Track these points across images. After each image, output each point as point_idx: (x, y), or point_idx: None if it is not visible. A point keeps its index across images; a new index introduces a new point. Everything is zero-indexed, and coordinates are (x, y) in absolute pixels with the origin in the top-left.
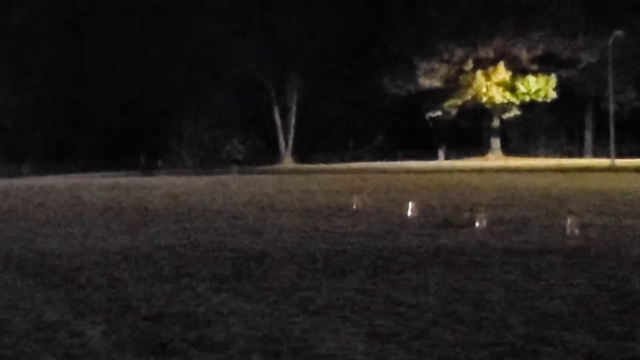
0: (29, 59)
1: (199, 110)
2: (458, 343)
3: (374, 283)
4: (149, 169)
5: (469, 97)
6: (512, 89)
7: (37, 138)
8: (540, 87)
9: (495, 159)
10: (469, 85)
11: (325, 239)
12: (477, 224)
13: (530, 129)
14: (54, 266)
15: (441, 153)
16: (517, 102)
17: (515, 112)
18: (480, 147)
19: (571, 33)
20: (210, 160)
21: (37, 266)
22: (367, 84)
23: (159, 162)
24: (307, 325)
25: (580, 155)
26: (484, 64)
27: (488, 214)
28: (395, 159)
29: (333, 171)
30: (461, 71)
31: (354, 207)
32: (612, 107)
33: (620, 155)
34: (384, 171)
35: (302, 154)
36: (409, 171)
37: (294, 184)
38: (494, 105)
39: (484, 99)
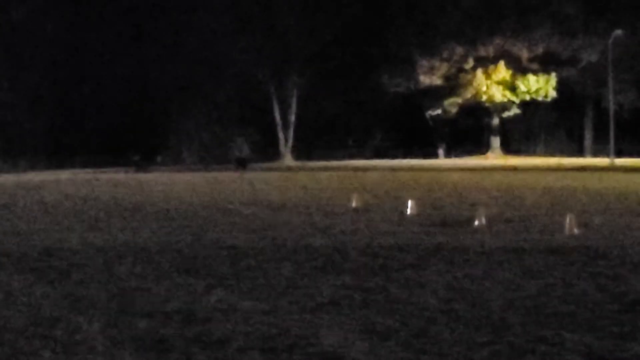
0: (28, 56)
1: (199, 107)
2: (457, 341)
3: (373, 281)
4: (143, 166)
5: (469, 96)
6: (512, 88)
7: (36, 134)
8: (540, 86)
9: (495, 157)
10: (469, 83)
11: (325, 237)
12: (476, 223)
13: (530, 128)
14: (53, 262)
15: (441, 151)
16: (517, 101)
17: (515, 111)
18: (480, 146)
19: (571, 32)
20: (210, 157)
21: (36, 262)
22: (367, 81)
23: (158, 159)
24: (306, 323)
25: (580, 154)
26: (484, 63)
27: (487, 213)
28: (395, 157)
29: (332, 169)
30: (461, 70)
31: (353, 205)
32: (611, 107)
33: (619, 154)
34: (383, 169)
35: (302, 152)
36: (408, 169)
37: (293, 182)
38: (494, 104)
39: (484, 98)
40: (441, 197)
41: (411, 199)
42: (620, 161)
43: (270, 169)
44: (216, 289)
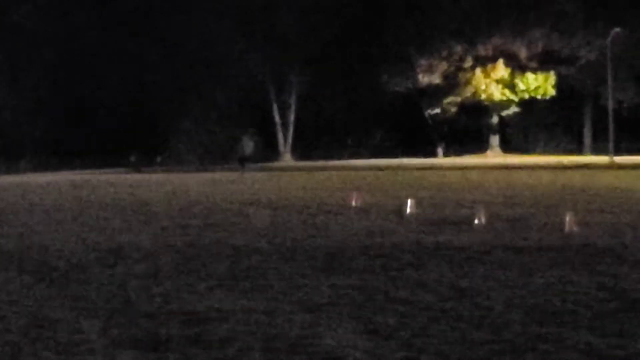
0: (28, 57)
1: (198, 107)
2: (457, 340)
3: (373, 280)
4: (139, 166)
5: (468, 95)
6: (511, 87)
7: (36, 135)
8: (539, 84)
9: (494, 156)
10: (468, 82)
11: (325, 236)
12: (475, 221)
13: (529, 127)
14: (53, 263)
15: (440, 150)
16: (516, 100)
17: (514, 109)
18: (479, 145)
19: (570, 30)
20: (210, 158)
21: (37, 263)
22: (366, 81)
23: (158, 159)
24: (306, 323)
25: (579, 152)
26: (483, 61)
27: (487, 212)
28: (394, 156)
29: (332, 168)
30: (460, 68)
31: (353, 204)
32: (611, 105)
33: (619, 152)
34: (382, 168)
35: (301, 151)
36: (407, 168)
37: (293, 181)
38: (493, 102)
39: (483, 96)
40: (441, 196)
41: (411, 198)
42: (620, 159)
43: (269, 169)
44: (216, 290)
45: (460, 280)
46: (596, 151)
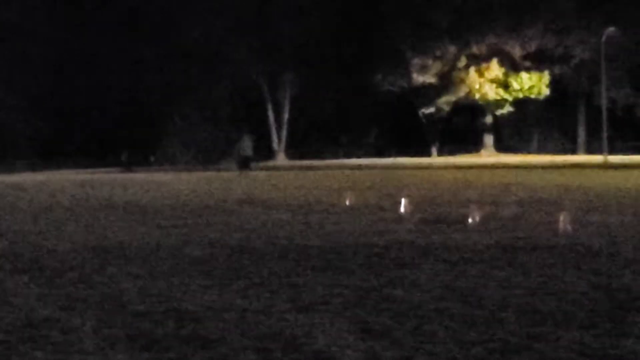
0: (22, 57)
1: (192, 106)
2: (450, 340)
3: (367, 280)
4: (131, 165)
5: (462, 94)
6: (505, 86)
7: (31, 134)
8: (533, 83)
9: (488, 155)
10: (462, 82)
11: (318, 236)
12: (469, 221)
13: (523, 126)
14: (47, 262)
15: (434, 150)
16: (510, 99)
17: (508, 108)
18: (473, 144)
19: (564, 30)
20: (204, 157)
21: (30, 262)
22: (360, 80)
23: (152, 158)
24: (300, 322)
25: (573, 151)
26: (477, 61)
27: (481, 211)
28: (388, 155)
29: (326, 167)
30: (454, 68)
31: (347, 203)
32: (605, 104)
33: (613, 151)
34: (376, 167)
35: (295, 151)
36: (401, 168)
37: (287, 180)
38: (487, 101)
39: (477, 96)
40: (435, 196)
41: (405, 198)
42: (614, 158)
43: (264, 168)
44: (210, 288)
45: (454, 279)
46: (590, 150)
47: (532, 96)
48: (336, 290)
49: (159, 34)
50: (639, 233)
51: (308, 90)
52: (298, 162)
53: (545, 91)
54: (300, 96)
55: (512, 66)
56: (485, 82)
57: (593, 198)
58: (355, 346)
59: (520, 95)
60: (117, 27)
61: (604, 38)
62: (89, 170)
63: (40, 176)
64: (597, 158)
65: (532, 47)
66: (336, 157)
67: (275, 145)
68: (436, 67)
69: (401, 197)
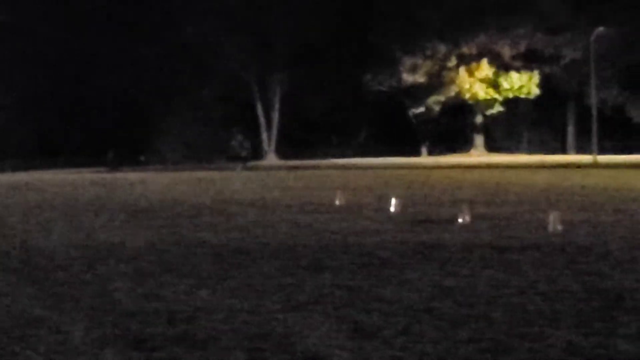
0: (14, 57)
1: (183, 106)
2: (440, 339)
3: (357, 279)
4: (116, 165)
5: (452, 94)
6: (495, 86)
7: (22, 134)
8: (523, 83)
9: (478, 155)
10: (452, 81)
11: (308, 235)
12: (459, 220)
13: (513, 125)
14: (37, 262)
15: (424, 149)
16: (500, 99)
17: (498, 108)
18: (463, 144)
19: (554, 30)
20: (194, 156)
21: (21, 262)
22: (350, 80)
23: (142, 158)
24: (290, 322)
25: (563, 151)
26: (467, 61)
27: (471, 211)
28: (378, 155)
29: (316, 167)
30: (444, 67)
31: (337, 203)
32: (594, 104)
33: (602, 151)
34: (366, 167)
35: (285, 150)
36: (392, 167)
37: (277, 180)
38: (477, 101)
39: (467, 96)
40: (425, 195)
41: (395, 197)
42: (603, 158)
43: (254, 168)
44: (200, 288)
45: (444, 279)
46: (580, 150)
47: (522, 96)
48: (326, 290)
49: (149, 33)
50: (629, 232)
51: (298, 90)
52: (288, 162)
53: (535, 91)
54: (290, 96)
55: (502, 66)
56: (475, 82)
57: (582, 198)
58: (345, 346)
59: (510, 95)
60: (108, 26)
61: (593, 38)
62: (81, 170)
63: (30, 176)
64: (586, 158)
65: (522, 47)
66: (326, 156)
67: (265, 145)
68: (426, 66)
69: (391, 197)
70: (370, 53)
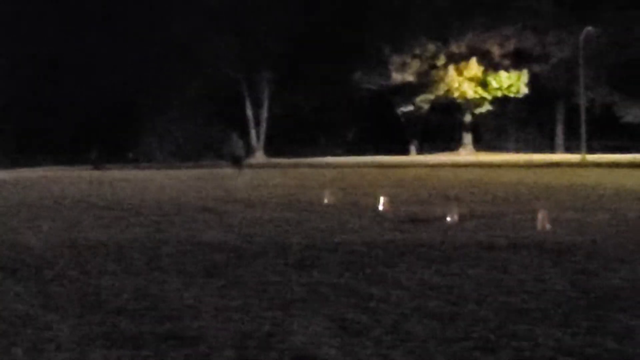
0: None
1: (171, 104)
2: (429, 337)
3: (345, 277)
4: (100, 163)
5: (441, 92)
6: (484, 84)
7: (6, 132)
8: (511, 82)
9: (466, 154)
10: (441, 80)
11: (297, 234)
12: (448, 219)
13: (502, 124)
14: (24, 259)
15: (413, 148)
16: (489, 98)
17: (487, 107)
18: (452, 142)
19: (542, 29)
20: (182, 154)
21: (7, 259)
22: (339, 78)
23: (130, 155)
24: (279, 320)
25: (552, 150)
26: (456, 59)
27: (459, 209)
28: (366, 153)
29: (304, 166)
30: (433, 66)
31: (326, 201)
32: (583, 103)
33: (591, 150)
34: (355, 166)
35: (274, 149)
36: (380, 166)
37: (266, 179)
38: (466, 100)
39: (456, 94)
40: (413, 194)
41: (383, 196)
42: (592, 157)
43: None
44: (188, 286)
45: (433, 277)
46: (568, 149)
47: (511, 95)
48: (314, 288)
49: (137, 30)
50: (617, 231)
51: (287, 88)
52: (277, 160)
53: (524, 90)
54: (279, 94)
55: (491, 65)
56: (464, 81)
57: (571, 197)
58: (334, 344)
59: (499, 94)
60: (95, 24)
61: (582, 37)
62: (58, 168)
63: (14, 173)
64: (575, 157)
65: (511, 46)
66: (315, 155)
67: (254, 142)
68: (415, 65)
69: (380, 195)
70: (359, 51)
